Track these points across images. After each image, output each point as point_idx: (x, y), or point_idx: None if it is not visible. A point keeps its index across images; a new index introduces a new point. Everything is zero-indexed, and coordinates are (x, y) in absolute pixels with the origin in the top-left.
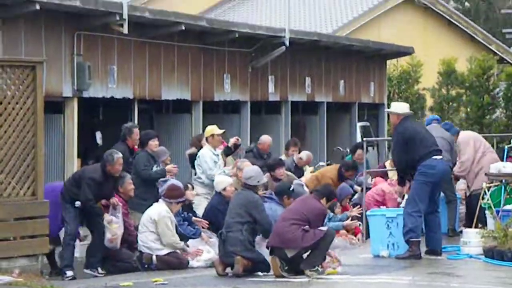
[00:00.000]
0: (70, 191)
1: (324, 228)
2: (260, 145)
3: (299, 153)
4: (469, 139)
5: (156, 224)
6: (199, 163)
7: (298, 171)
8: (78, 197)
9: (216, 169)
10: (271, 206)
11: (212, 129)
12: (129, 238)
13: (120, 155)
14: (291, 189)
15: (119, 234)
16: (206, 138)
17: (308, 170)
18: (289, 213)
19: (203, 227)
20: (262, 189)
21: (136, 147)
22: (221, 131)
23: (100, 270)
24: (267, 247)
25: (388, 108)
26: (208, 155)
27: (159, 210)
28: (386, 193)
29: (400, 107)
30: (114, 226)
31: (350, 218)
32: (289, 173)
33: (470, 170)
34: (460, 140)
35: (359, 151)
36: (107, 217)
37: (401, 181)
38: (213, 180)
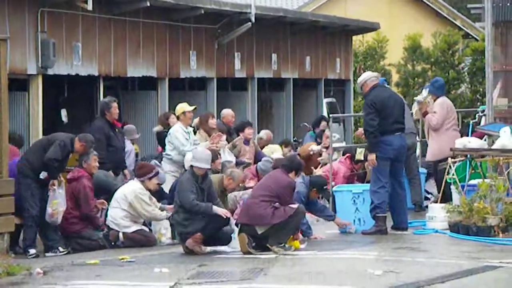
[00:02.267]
0: (33, 161)
1: (294, 206)
2: (223, 119)
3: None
4: (444, 105)
5: (129, 203)
6: (170, 139)
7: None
8: (43, 166)
9: (188, 145)
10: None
11: (183, 107)
12: (90, 214)
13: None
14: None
15: (60, 210)
16: (178, 117)
17: (276, 150)
18: (258, 189)
19: None
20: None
21: (116, 121)
22: (192, 107)
23: (61, 249)
24: (236, 224)
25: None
26: (179, 131)
27: (133, 188)
28: (334, 170)
29: (366, 74)
30: (54, 202)
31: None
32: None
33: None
34: (436, 103)
35: (323, 123)
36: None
37: (374, 147)
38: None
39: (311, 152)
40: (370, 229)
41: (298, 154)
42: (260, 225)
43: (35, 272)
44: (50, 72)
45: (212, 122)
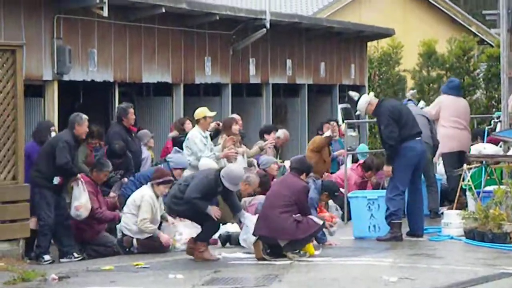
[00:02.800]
0: (43, 170)
1: (319, 221)
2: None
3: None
4: (450, 103)
5: (138, 207)
6: (188, 145)
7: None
8: (54, 172)
9: (206, 150)
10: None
11: (203, 111)
12: (95, 216)
13: (86, 117)
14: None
15: (87, 205)
16: (197, 120)
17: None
18: (275, 198)
19: None
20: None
21: (132, 126)
22: (213, 113)
23: (75, 254)
24: (254, 235)
25: (357, 101)
26: (198, 137)
27: (143, 194)
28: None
29: (366, 96)
30: (82, 196)
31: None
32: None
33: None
34: (443, 98)
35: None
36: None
37: (390, 161)
38: None
39: (325, 136)
40: (385, 235)
41: (311, 149)
42: (283, 239)
43: (50, 278)
44: (66, 78)
45: (235, 128)
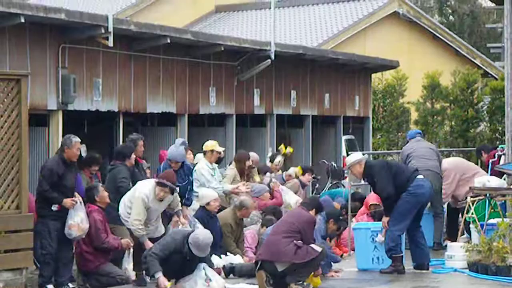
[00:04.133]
0: (41, 197)
1: (318, 249)
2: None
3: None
4: (450, 169)
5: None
6: (196, 176)
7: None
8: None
9: (214, 182)
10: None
11: (213, 145)
12: (102, 246)
13: (78, 139)
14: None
15: (80, 225)
16: (205, 152)
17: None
18: (280, 225)
19: None
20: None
21: (140, 158)
22: (222, 149)
23: (70, 285)
24: (256, 262)
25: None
26: (205, 168)
27: (140, 189)
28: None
29: (356, 155)
30: (77, 215)
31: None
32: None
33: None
34: (443, 167)
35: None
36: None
37: (389, 211)
38: None
39: None
40: (388, 268)
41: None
42: (281, 262)
43: None
44: (71, 107)
45: (248, 163)
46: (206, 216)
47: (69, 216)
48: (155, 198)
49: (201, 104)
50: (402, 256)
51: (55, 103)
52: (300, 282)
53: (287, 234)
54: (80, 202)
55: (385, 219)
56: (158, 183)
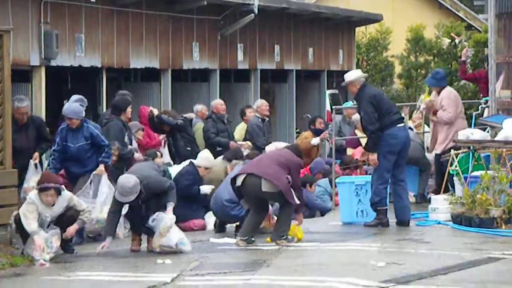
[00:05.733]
0: None
1: (297, 201)
2: (214, 109)
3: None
4: (451, 96)
5: None
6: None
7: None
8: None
9: None
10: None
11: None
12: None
13: (23, 104)
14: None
15: (34, 186)
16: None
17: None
18: (271, 156)
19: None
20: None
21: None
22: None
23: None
24: (239, 174)
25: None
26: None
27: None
28: None
29: (353, 73)
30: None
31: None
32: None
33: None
34: (443, 96)
35: (319, 120)
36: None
37: (374, 147)
38: None
39: (312, 145)
40: (372, 221)
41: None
42: (269, 181)
43: (38, 264)
44: (53, 63)
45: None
46: (194, 173)
47: (25, 180)
48: (44, 204)
49: (185, 59)
50: (386, 209)
51: (38, 59)
52: (284, 237)
53: (280, 165)
54: (36, 165)
55: (372, 156)
56: (39, 190)
